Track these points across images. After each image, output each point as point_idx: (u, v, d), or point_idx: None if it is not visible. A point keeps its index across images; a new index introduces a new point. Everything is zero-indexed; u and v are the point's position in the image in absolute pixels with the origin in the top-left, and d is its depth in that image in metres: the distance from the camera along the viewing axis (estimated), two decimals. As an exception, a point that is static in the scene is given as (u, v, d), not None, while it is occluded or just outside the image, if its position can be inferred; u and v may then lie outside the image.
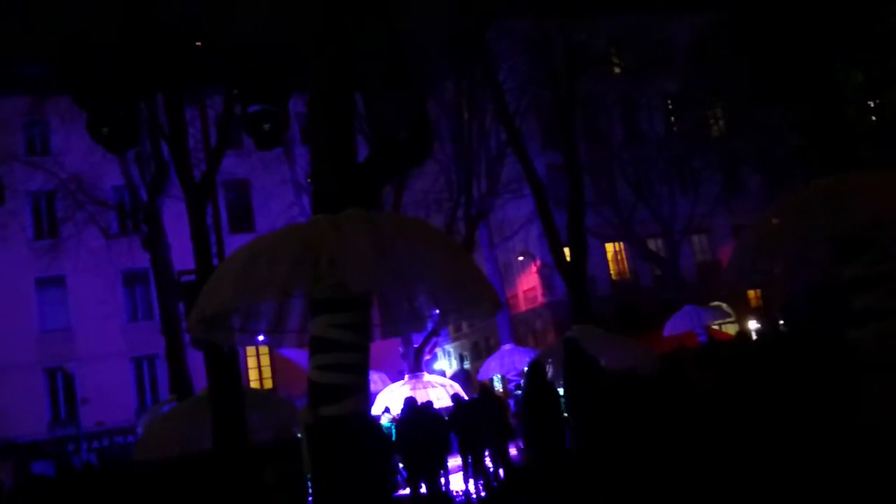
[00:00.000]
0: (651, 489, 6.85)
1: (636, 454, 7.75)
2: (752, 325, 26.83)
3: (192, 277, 10.15)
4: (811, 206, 7.84)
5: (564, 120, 18.22)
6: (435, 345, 23.47)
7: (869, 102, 20.87)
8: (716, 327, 25.41)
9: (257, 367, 27.81)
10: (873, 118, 22.67)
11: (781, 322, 21.40)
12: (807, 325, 14.47)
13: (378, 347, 13.38)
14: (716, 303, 26.44)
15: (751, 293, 29.90)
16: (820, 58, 8.20)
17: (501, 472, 12.98)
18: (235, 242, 7.72)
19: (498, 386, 27.22)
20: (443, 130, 23.30)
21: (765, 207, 11.12)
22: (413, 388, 18.40)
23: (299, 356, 18.43)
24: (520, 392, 16.59)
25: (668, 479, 6.81)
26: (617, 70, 30.39)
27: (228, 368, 9.41)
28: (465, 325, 37.11)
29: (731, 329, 25.57)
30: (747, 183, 30.30)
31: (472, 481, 12.99)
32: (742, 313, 28.89)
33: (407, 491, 11.45)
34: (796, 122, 9.72)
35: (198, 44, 10.66)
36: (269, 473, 9.54)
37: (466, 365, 36.96)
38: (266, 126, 7.71)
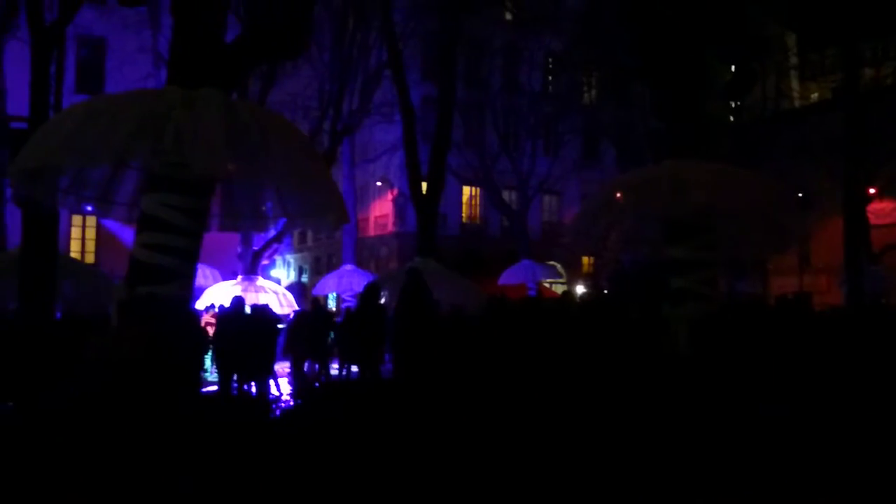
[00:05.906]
0: (457, 411, 7.17)
1: (450, 381, 8.07)
2: (580, 289, 28.28)
3: (23, 125, 9.42)
4: (653, 186, 8.29)
5: (446, 53, 18.06)
6: (275, 251, 23.04)
7: (731, 103, 22.14)
8: (547, 285, 26.61)
9: (81, 239, 26.24)
10: (731, 118, 24.13)
11: (605, 291, 22.66)
12: (628, 296, 15.41)
13: (215, 242, 12.98)
14: (552, 262, 27.60)
15: (585, 260, 31.45)
16: (691, 48, 8.57)
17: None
18: (80, 101, 7.16)
19: (332, 304, 27.29)
20: (324, 36, 22.52)
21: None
22: (244, 290, 17.98)
23: (127, 234, 17.57)
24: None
25: (475, 404, 7.14)
26: (508, 16, 30.41)
27: (46, 228, 8.84)
28: (310, 239, 36.71)
29: (559, 289, 26.82)
30: (604, 154, 31.52)
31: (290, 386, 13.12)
32: (573, 276, 30.40)
33: (215, 388, 11.28)
34: (659, 104, 10.19)
35: None
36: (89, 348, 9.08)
37: (304, 278, 36.71)
38: (132, -20, 7.08)
